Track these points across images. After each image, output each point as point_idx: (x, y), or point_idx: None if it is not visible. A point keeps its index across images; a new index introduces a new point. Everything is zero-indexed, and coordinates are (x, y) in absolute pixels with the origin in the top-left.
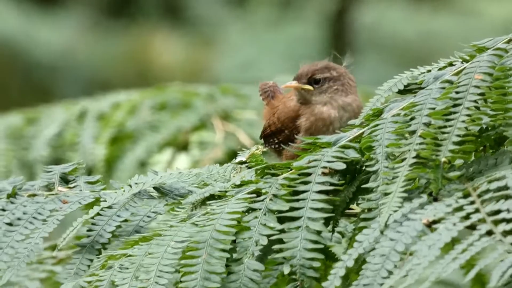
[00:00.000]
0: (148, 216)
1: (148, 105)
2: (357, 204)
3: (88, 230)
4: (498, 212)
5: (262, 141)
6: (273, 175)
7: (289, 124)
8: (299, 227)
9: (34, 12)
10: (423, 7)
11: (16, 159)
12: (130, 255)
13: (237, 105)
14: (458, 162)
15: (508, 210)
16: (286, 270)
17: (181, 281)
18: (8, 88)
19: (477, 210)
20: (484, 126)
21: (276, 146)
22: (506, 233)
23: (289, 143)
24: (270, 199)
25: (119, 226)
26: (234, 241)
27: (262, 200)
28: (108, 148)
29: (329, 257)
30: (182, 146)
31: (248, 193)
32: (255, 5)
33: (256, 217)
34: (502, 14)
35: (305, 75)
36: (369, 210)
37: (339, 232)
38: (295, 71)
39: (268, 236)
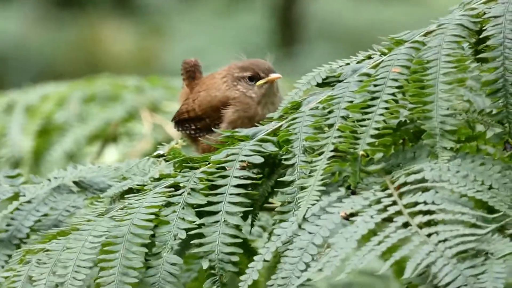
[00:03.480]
0: (67, 211)
1: (77, 97)
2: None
3: (6, 225)
4: (415, 204)
5: (173, 123)
6: (191, 168)
7: (212, 113)
8: (218, 221)
9: None
10: None
11: None
12: (48, 250)
13: (166, 97)
14: (378, 156)
15: (425, 202)
16: (205, 264)
17: (99, 276)
18: None
19: (394, 203)
20: (403, 120)
21: (192, 132)
22: (423, 225)
23: (207, 132)
24: (188, 193)
25: (38, 221)
26: (152, 236)
27: (180, 194)
28: (36, 140)
29: (250, 252)
30: (111, 138)
31: (166, 187)
32: None
33: (174, 211)
34: (451, 4)
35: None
36: (285, 203)
37: (261, 226)
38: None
39: (187, 230)
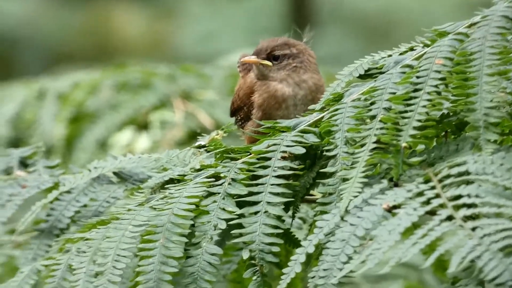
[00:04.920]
0: (107, 201)
1: (108, 85)
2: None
3: (47, 215)
4: (459, 197)
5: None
6: (232, 159)
7: (245, 100)
8: (258, 211)
9: None
10: None
11: None
12: (87, 239)
13: (198, 85)
14: (420, 147)
15: (468, 195)
16: (245, 255)
17: (138, 265)
18: None
19: (437, 195)
20: (446, 112)
21: (239, 123)
22: (466, 218)
23: (247, 121)
24: (229, 183)
25: (78, 212)
26: (193, 225)
27: (221, 184)
28: (68, 127)
29: (292, 242)
30: (143, 126)
31: (207, 177)
32: None
33: (214, 201)
34: None
35: (265, 51)
36: (327, 194)
37: (301, 218)
38: (256, 44)
39: (227, 220)
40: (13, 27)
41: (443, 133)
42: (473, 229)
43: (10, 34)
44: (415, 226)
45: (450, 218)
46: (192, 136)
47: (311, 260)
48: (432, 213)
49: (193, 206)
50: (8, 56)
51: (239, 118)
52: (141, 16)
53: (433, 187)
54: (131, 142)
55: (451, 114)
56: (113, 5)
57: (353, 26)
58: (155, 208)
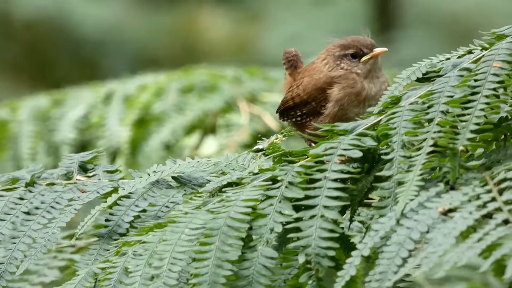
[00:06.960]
0: (167, 206)
1: (175, 88)
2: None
3: (106, 220)
4: None
5: (277, 115)
6: (290, 162)
7: (317, 95)
8: (315, 215)
9: None
10: None
11: (43, 141)
12: (144, 242)
13: (264, 88)
14: (478, 151)
15: None
16: (301, 259)
17: (195, 268)
18: (57, 63)
19: (493, 199)
20: (505, 115)
21: (298, 119)
22: None
23: (314, 116)
24: (286, 187)
25: (137, 216)
26: (250, 228)
27: (278, 188)
28: (134, 130)
29: (349, 247)
30: (210, 129)
31: (264, 180)
32: None
33: (271, 205)
34: None
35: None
36: (383, 198)
37: (361, 222)
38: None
39: (284, 223)
40: (100, 31)
41: (503, 136)
42: None
43: (97, 39)
44: (474, 229)
45: (506, 222)
46: (257, 139)
47: (371, 265)
48: (488, 216)
49: (250, 209)
50: (95, 60)
51: (299, 113)
52: (227, 19)
53: (489, 191)
54: (198, 145)
55: (510, 117)
56: (199, 9)
57: (439, 29)
58: (212, 211)
